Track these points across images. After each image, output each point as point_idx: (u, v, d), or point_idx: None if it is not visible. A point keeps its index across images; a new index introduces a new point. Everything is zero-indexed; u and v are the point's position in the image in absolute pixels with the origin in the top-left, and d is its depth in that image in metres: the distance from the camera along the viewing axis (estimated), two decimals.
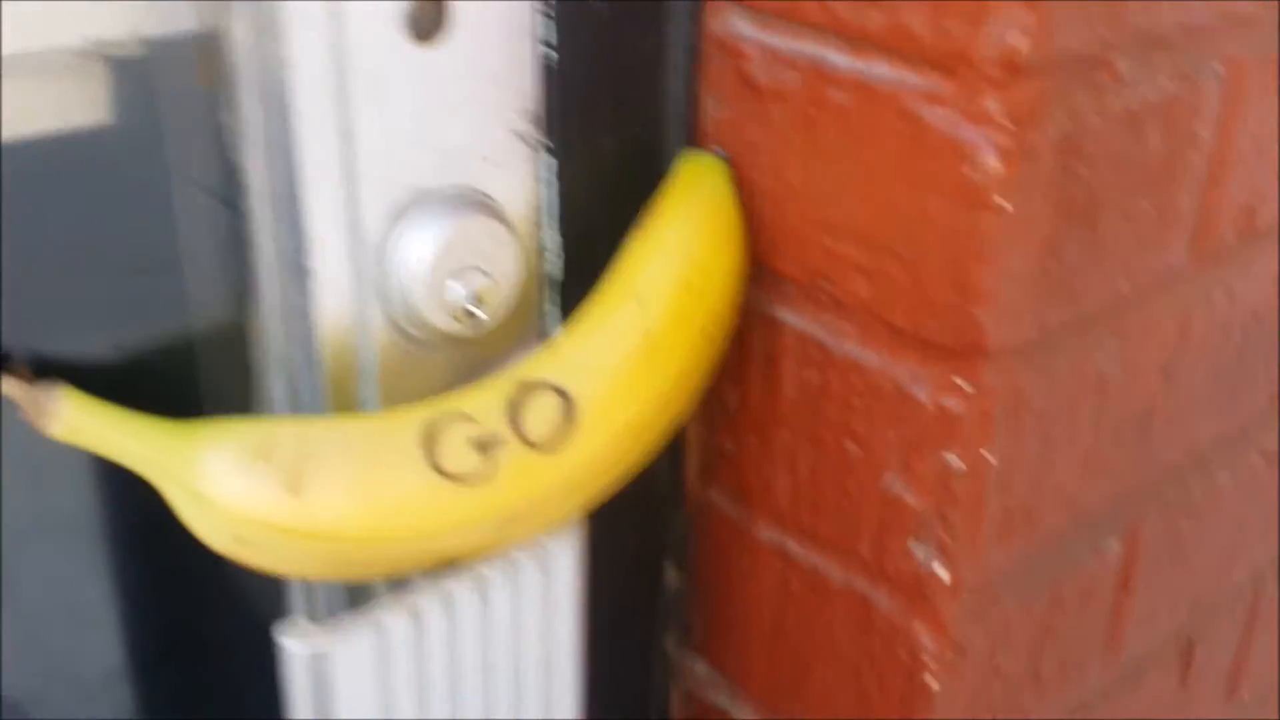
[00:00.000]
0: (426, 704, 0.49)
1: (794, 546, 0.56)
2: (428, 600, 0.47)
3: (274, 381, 0.50)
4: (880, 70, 0.47)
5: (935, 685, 0.53)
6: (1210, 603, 0.67)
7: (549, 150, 0.51)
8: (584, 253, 0.52)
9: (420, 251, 0.48)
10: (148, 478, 0.46)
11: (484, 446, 0.47)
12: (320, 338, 0.48)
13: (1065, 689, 0.60)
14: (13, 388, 0.44)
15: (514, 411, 0.48)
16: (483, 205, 0.49)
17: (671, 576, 0.62)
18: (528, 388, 0.48)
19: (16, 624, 0.52)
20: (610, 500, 0.51)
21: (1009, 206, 0.45)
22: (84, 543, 0.54)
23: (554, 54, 0.49)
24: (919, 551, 0.51)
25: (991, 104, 0.44)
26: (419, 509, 0.46)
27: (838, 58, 0.48)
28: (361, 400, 0.50)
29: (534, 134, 0.50)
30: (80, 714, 0.55)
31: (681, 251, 0.51)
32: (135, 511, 0.54)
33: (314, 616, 0.52)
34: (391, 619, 0.46)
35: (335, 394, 0.49)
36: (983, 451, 0.49)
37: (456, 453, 0.47)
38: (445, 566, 0.48)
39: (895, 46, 0.46)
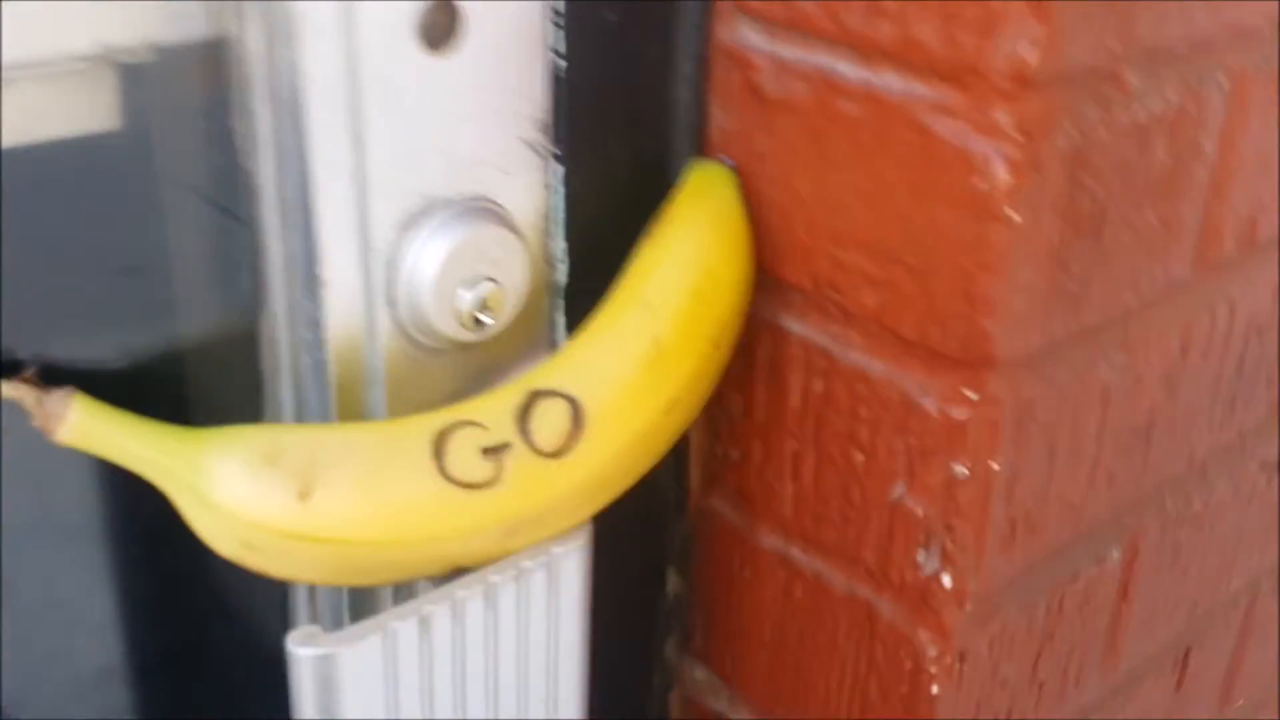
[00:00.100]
0: (431, 709, 0.49)
1: (797, 554, 0.57)
2: (436, 606, 0.47)
3: (281, 387, 0.50)
4: (890, 81, 0.47)
5: (939, 693, 0.53)
6: (1207, 611, 0.68)
7: (558, 158, 0.51)
8: (591, 260, 0.53)
9: (430, 259, 0.48)
10: (156, 483, 0.46)
11: (493, 453, 0.47)
12: (328, 344, 0.48)
13: (1064, 696, 0.60)
14: (23, 393, 0.44)
15: (523, 419, 0.48)
16: (492, 213, 0.50)
17: (673, 583, 0.63)
18: (537, 395, 0.48)
19: (15, 626, 0.52)
20: (612, 506, 0.51)
21: (1018, 218, 0.45)
22: (85, 546, 0.54)
23: (564, 62, 0.49)
24: (925, 560, 0.51)
25: (1002, 116, 0.44)
26: (428, 515, 0.46)
27: (847, 68, 0.48)
28: (369, 407, 0.50)
29: (543, 142, 0.50)
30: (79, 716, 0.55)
31: (691, 260, 0.51)
32: (137, 517, 0.54)
33: (317, 623, 0.52)
34: (399, 625, 0.46)
35: (342, 400, 0.49)
36: (989, 461, 0.49)
37: (466, 459, 0.47)
38: (453, 573, 0.48)
39: (905, 58, 0.46)
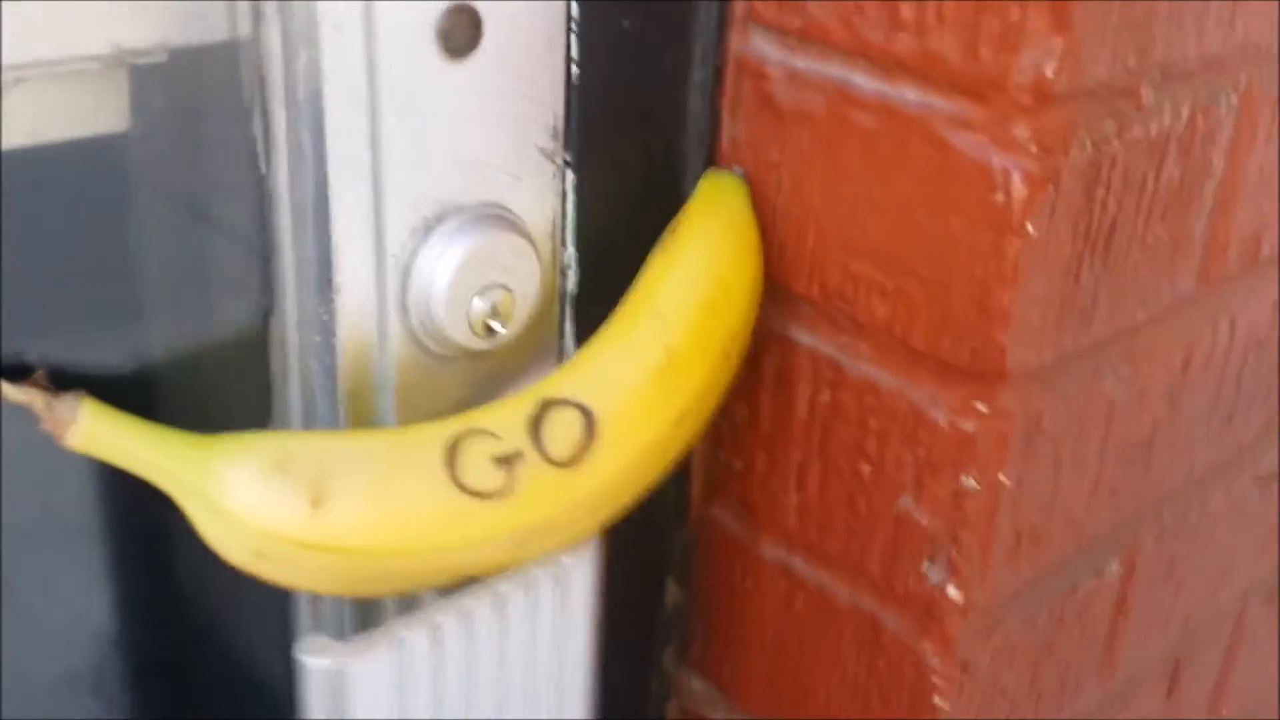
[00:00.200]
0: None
1: (800, 564, 0.57)
2: (446, 616, 0.47)
3: (290, 393, 0.50)
4: (907, 94, 0.47)
5: (942, 704, 0.53)
6: (1199, 623, 0.68)
7: (571, 166, 0.51)
8: (603, 269, 0.52)
9: (444, 266, 0.48)
10: (166, 490, 0.45)
11: (505, 462, 0.47)
12: (339, 349, 0.48)
13: (1061, 706, 0.60)
14: (32, 397, 0.44)
15: (535, 428, 0.48)
16: (505, 220, 0.49)
17: (672, 592, 0.62)
18: (549, 404, 0.48)
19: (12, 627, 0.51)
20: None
21: (1034, 232, 0.45)
22: (82, 550, 0.53)
23: (581, 70, 0.49)
24: (931, 572, 0.51)
25: (1021, 130, 0.44)
26: (440, 524, 0.46)
27: (864, 81, 0.48)
28: (378, 414, 0.50)
29: (557, 149, 0.50)
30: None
31: (703, 270, 0.51)
32: (139, 523, 0.53)
33: (320, 632, 0.51)
34: (410, 635, 0.46)
35: (352, 407, 0.49)
36: (997, 474, 0.50)
37: (478, 468, 0.47)
38: (463, 582, 0.48)
39: (924, 71, 0.46)
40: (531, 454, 0.47)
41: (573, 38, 0.49)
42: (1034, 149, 0.44)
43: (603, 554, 0.51)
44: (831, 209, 0.51)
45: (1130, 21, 0.45)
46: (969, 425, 0.49)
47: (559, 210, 0.51)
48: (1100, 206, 0.47)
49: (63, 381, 0.45)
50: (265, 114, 0.46)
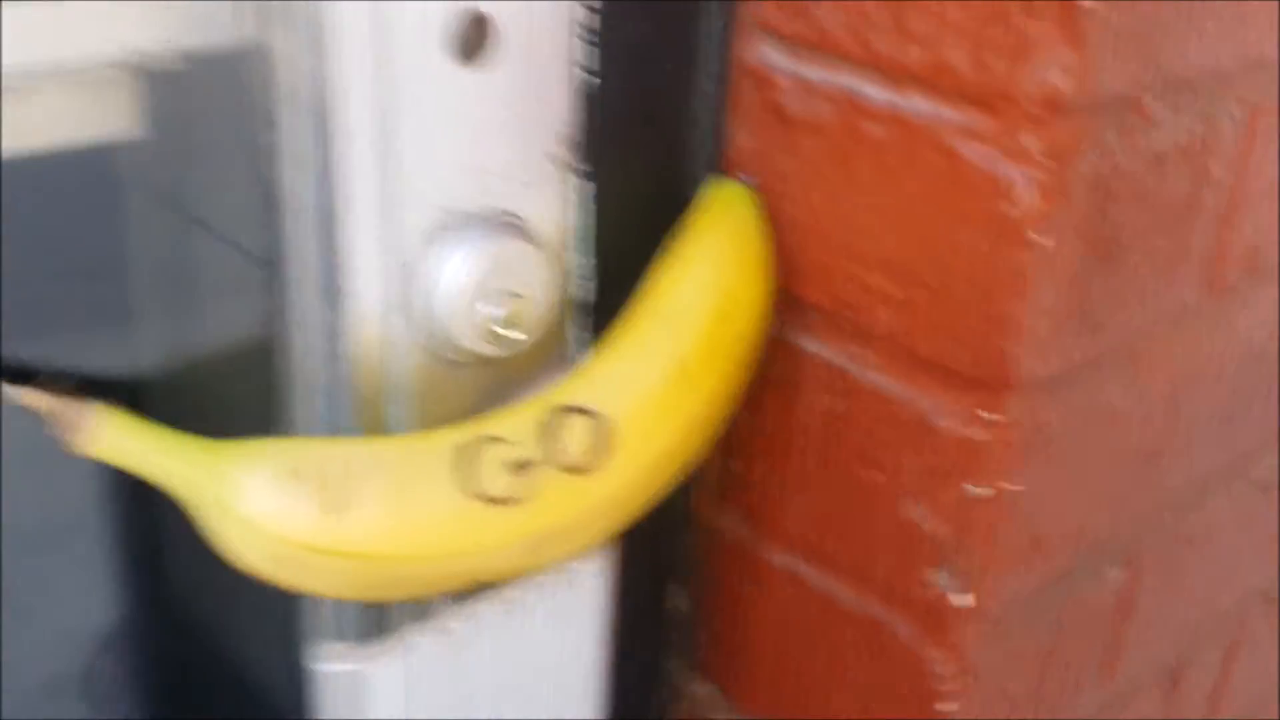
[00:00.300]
0: None
1: (806, 570, 0.57)
2: (461, 623, 0.47)
3: (302, 400, 0.50)
4: (917, 104, 0.47)
5: (949, 709, 0.53)
6: (1199, 627, 0.69)
7: (582, 174, 0.51)
8: (611, 276, 0.53)
9: (455, 273, 0.48)
10: (180, 496, 0.45)
11: (519, 469, 0.47)
12: (351, 357, 0.48)
13: (1063, 710, 0.61)
14: (47, 404, 0.44)
15: (549, 435, 0.48)
16: (517, 228, 0.50)
17: (677, 597, 0.63)
18: (562, 411, 0.48)
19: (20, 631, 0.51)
20: None
21: (1043, 242, 0.46)
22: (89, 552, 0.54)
23: (592, 79, 0.49)
24: (938, 579, 0.52)
25: (1031, 141, 0.45)
26: (455, 530, 0.46)
27: (873, 91, 0.49)
28: (390, 420, 0.50)
29: (568, 158, 0.50)
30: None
31: (713, 278, 0.51)
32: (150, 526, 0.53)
33: (330, 636, 0.51)
34: (425, 640, 0.46)
35: (364, 414, 0.49)
36: (1005, 482, 0.50)
37: (492, 475, 0.47)
38: (477, 588, 0.48)
39: (934, 81, 0.47)
40: (545, 460, 0.48)
41: (583, 45, 0.49)
42: (1043, 160, 0.45)
43: (614, 560, 0.52)
44: (840, 218, 0.51)
45: (1139, 34, 0.45)
46: (977, 433, 0.49)
47: (568, 217, 0.52)
48: (1107, 217, 0.48)
49: (77, 388, 0.45)
50: (275, 119, 0.46)
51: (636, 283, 0.52)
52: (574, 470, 0.48)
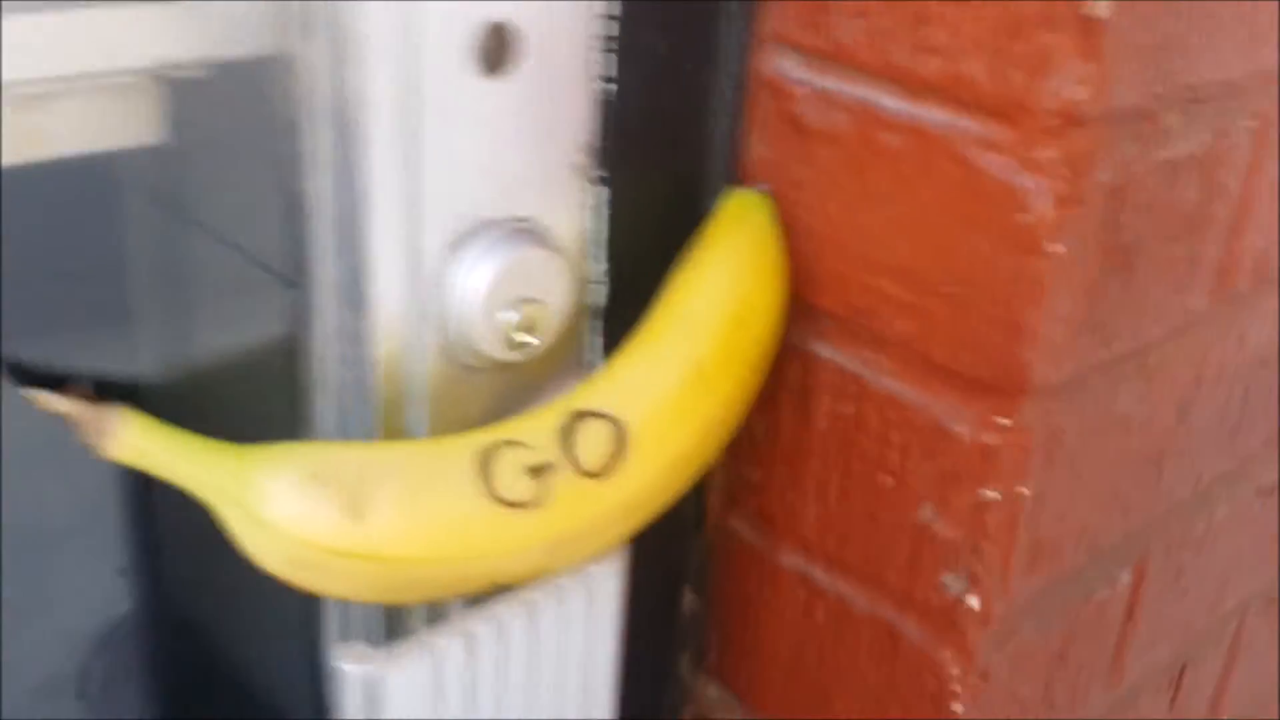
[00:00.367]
0: None
1: (818, 574, 0.58)
2: (481, 625, 0.47)
3: (325, 405, 0.50)
4: (934, 115, 0.48)
5: (960, 710, 0.54)
6: (1202, 630, 0.70)
7: (601, 181, 0.51)
8: (628, 282, 0.53)
9: (477, 280, 0.48)
10: (204, 500, 0.46)
11: (538, 473, 0.48)
12: (373, 362, 0.48)
13: (1071, 713, 0.62)
14: (75, 408, 0.44)
15: (567, 438, 0.48)
16: (537, 235, 0.50)
17: (688, 600, 0.63)
18: (580, 415, 0.49)
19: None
20: None
21: (1059, 251, 0.46)
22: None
23: (612, 88, 0.50)
24: (951, 582, 0.52)
25: (1049, 152, 0.45)
26: (475, 533, 0.47)
27: (890, 101, 0.49)
28: (410, 425, 0.50)
29: (589, 165, 0.51)
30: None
31: (729, 285, 0.52)
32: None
33: (352, 639, 0.52)
34: (446, 643, 0.46)
35: (385, 418, 0.50)
36: (1018, 486, 0.51)
37: (511, 478, 0.47)
38: (495, 590, 0.49)
39: (952, 93, 0.47)
40: (563, 464, 0.48)
41: (607, 55, 0.49)
42: (1061, 170, 0.45)
43: (629, 563, 0.52)
44: (855, 226, 0.52)
45: (1155, 47, 0.46)
46: (991, 439, 0.50)
47: (587, 224, 0.52)
48: (1121, 227, 0.49)
49: (100, 391, 0.45)
50: (304, 128, 0.47)
51: (652, 289, 0.52)
52: (591, 474, 0.48)
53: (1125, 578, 0.60)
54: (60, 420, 0.45)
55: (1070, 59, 0.44)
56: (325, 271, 0.48)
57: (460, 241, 0.49)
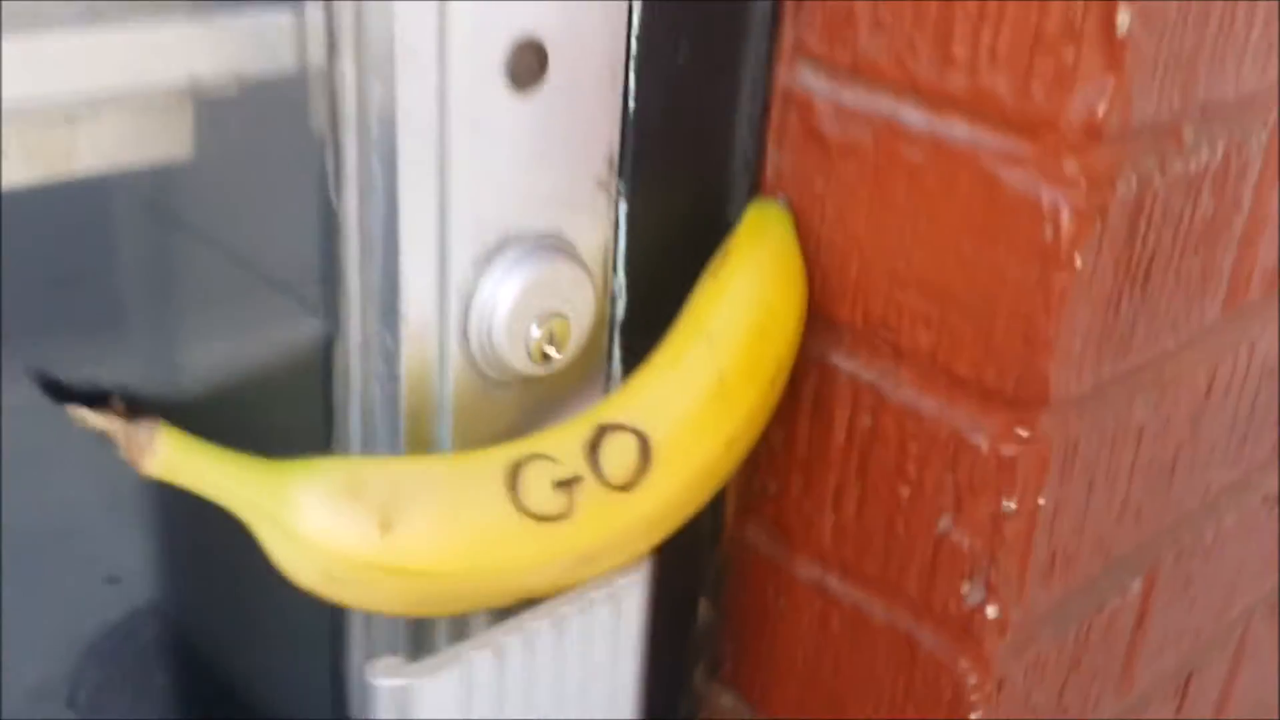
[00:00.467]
0: None
1: (835, 584, 0.58)
2: (509, 637, 0.48)
3: (352, 418, 0.50)
4: (957, 130, 0.48)
5: (977, 718, 0.55)
6: (1209, 637, 0.70)
7: (625, 195, 0.52)
8: (651, 296, 0.54)
9: (505, 295, 0.49)
10: (239, 514, 0.46)
11: (565, 486, 0.48)
12: (402, 376, 0.49)
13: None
14: (111, 425, 0.44)
15: (593, 452, 0.49)
16: (563, 249, 0.50)
17: (704, 610, 0.64)
18: (606, 429, 0.49)
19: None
20: None
21: (1081, 265, 0.47)
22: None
23: (637, 103, 0.50)
24: (969, 591, 0.53)
25: (1071, 167, 0.46)
26: (505, 546, 0.47)
27: (913, 115, 0.50)
28: (436, 438, 0.51)
29: (613, 180, 0.51)
30: None
31: (752, 297, 0.52)
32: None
33: (377, 653, 0.52)
34: (477, 655, 0.47)
35: (412, 432, 0.50)
36: (1036, 497, 0.51)
37: (539, 492, 0.48)
38: (521, 603, 0.49)
39: (975, 108, 0.48)
40: (590, 478, 0.49)
41: (634, 71, 0.50)
42: (1083, 185, 0.46)
43: (653, 574, 0.53)
44: (876, 239, 0.52)
45: (1176, 63, 0.46)
46: (1010, 450, 0.51)
47: (611, 238, 0.53)
48: (1141, 240, 0.49)
49: (137, 407, 0.45)
50: (335, 144, 0.47)
51: (675, 301, 0.53)
52: (618, 487, 0.49)
53: (1136, 586, 0.61)
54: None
55: (1093, 75, 0.45)
56: (354, 286, 0.48)
57: (488, 256, 0.49)
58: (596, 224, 0.52)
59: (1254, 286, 0.58)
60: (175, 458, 0.45)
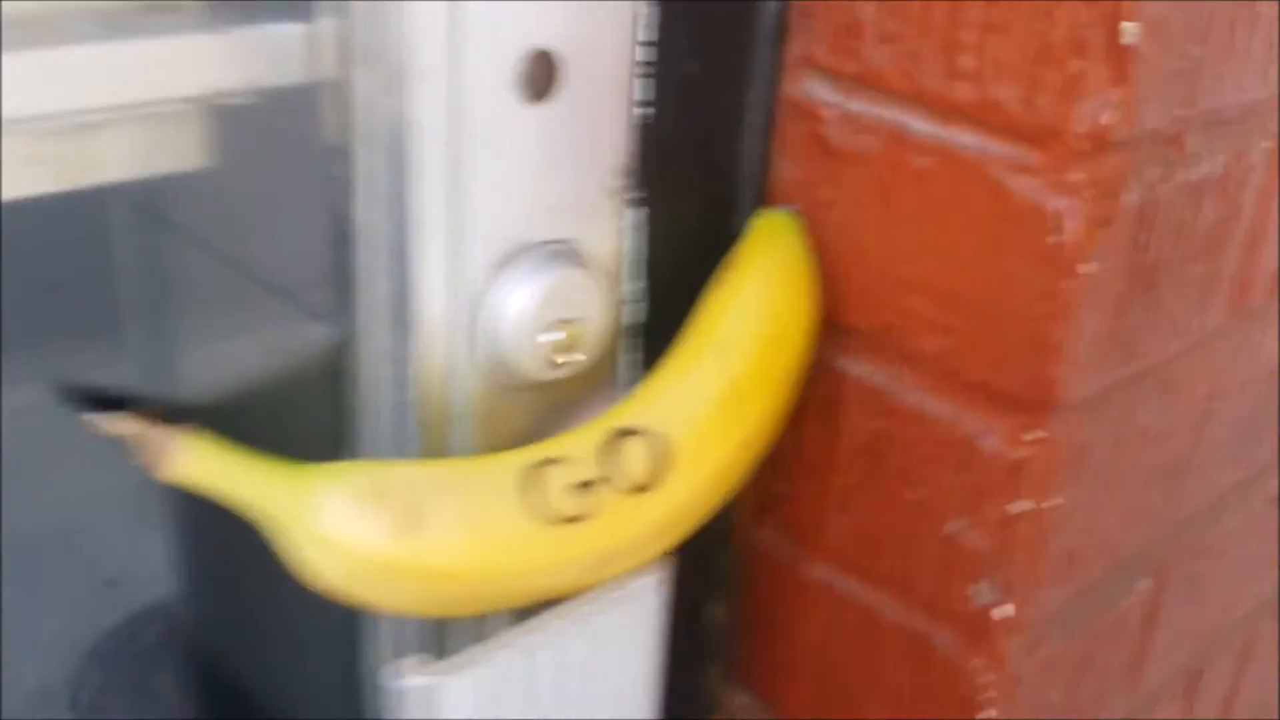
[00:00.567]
0: None
1: (847, 585, 0.59)
2: (534, 636, 0.48)
3: (368, 424, 0.51)
4: (964, 139, 0.49)
5: (989, 717, 0.55)
6: (1216, 635, 0.71)
7: (635, 203, 0.53)
8: (661, 302, 0.54)
9: (519, 303, 0.50)
10: (260, 517, 0.47)
11: (583, 489, 0.49)
12: (416, 383, 0.50)
13: (1095, 718, 0.63)
14: (133, 430, 0.45)
15: (611, 455, 0.50)
16: (574, 257, 0.51)
17: (717, 611, 0.64)
18: (623, 432, 0.50)
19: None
20: None
21: (1088, 271, 0.48)
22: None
23: (647, 112, 0.51)
24: (982, 592, 0.54)
25: (1078, 175, 0.47)
26: (526, 548, 0.48)
27: (919, 124, 0.51)
28: (452, 443, 0.51)
29: (624, 188, 0.52)
30: None
31: (762, 304, 0.53)
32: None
33: (397, 655, 0.53)
34: (503, 654, 0.48)
35: (426, 437, 0.51)
36: (1045, 499, 0.52)
37: (559, 495, 0.49)
38: (541, 603, 0.50)
39: (982, 117, 0.49)
40: (608, 480, 0.49)
41: (644, 80, 0.51)
42: (1091, 193, 0.47)
43: (670, 575, 0.53)
44: (884, 247, 0.53)
45: (1181, 72, 0.47)
46: (1020, 453, 0.51)
47: (621, 246, 0.53)
48: (1146, 247, 0.50)
49: (160, 413, 0.46)
50: (348, 154, 0.48)
51: (687, 307, 0.54)
52: (636, 489, 0.50)
53: (1145, 586, 0.62)
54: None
55: (1101, 84, 0.45)
56: (371, 294, 0.49)
57: (503, 264, 0.50)
58: (609, 231, 0.52)
59: (1256, 292, 0.58)
60: (199, 463, 0.46)
